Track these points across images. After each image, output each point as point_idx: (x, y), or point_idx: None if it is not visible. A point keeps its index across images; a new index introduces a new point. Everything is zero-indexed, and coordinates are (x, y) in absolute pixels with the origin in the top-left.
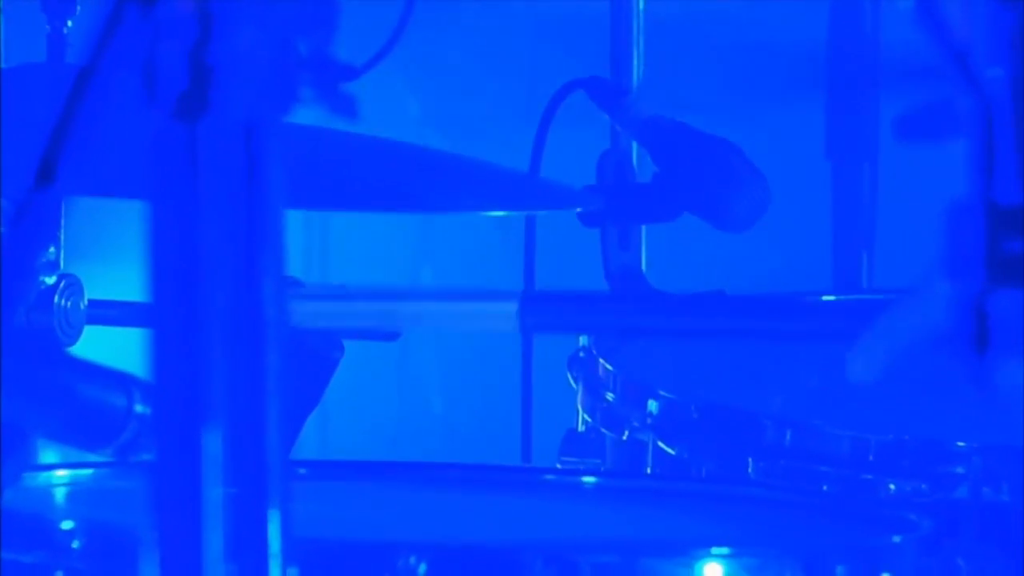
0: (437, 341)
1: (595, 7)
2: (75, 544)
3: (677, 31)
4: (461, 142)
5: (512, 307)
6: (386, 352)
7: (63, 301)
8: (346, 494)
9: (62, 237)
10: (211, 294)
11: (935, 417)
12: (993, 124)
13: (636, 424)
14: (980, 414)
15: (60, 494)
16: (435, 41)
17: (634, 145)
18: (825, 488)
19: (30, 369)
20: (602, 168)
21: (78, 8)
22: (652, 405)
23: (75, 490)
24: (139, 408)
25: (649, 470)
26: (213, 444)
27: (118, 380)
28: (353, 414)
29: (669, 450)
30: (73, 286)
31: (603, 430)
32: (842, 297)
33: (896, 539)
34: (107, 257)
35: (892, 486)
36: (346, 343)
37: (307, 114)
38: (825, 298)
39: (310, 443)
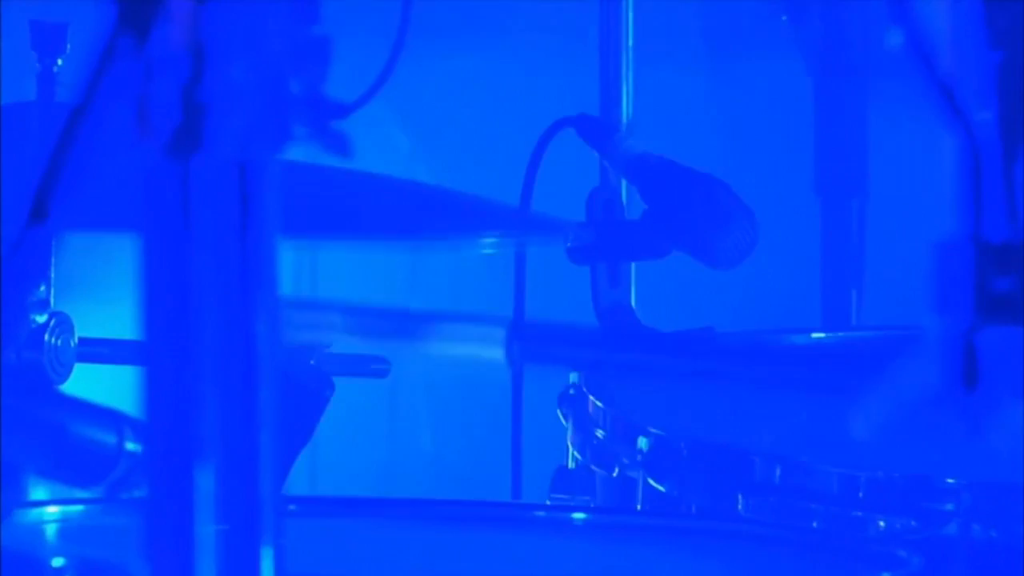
0: (427, 378)
1: (584, 45)
2: None
3: (666, 67)
4: (451, 179)
5: (500, 332)
6: (376, 388)
7: (54, 339)
8: (336, 531)
9: (53, 275)
10: (203, 331)
11: (924, 453)
12: (981, 163)
13: (626, 461)
14: (970, 450)
15: (51, 531)
16: (425, 78)
17: (623, 182)
18: (815, 525)
19: (21, 407)
20: (591, 205)
21: (68, 46)
22: (642, 442)
23: (66, 527)
24: (130, 445)
25: (639, 507)
26: (205, 481)
27: (109, 418)
28: (343, 450)
29: (659, 487)
30: (64, 324)
31: (593, 467)
32: (831, 334)
33: None
34: (98, 295)
35: (882, 523)
36: (336, 380)
37: (299, 151)
38: (814, 335)
39: (300, 479)
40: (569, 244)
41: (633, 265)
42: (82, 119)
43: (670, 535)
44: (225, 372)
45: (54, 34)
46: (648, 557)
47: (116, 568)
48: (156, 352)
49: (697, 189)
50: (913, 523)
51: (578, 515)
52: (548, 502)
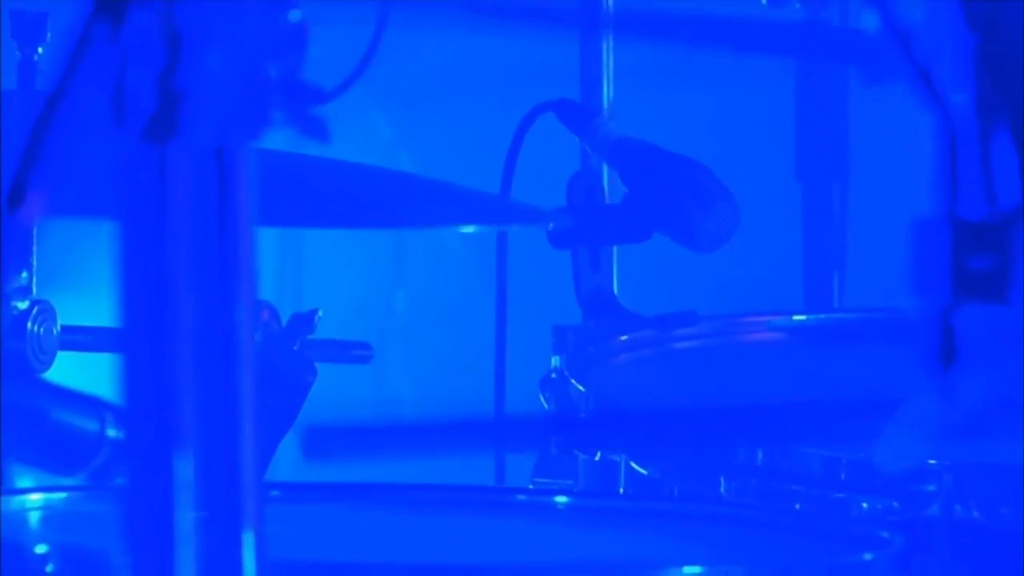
0: (412, 362)
1: (565, 30)
2: (49, 568)
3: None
4: (432, 165)
5: None
6: (361, 373)
7: (36, 327)
8: (320, 516)
9: (35, 263)
10: (182, 317)
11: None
12: (957, 143)
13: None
14: (951, 431)
15: (34, 518)
16: (406, 64)
17: (604, 167)
18: (797, 507)
19: (3, 395)
20: (573, 190)
21: (48, 35)
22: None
23: (49, 514)
24: (112, 432)
25: (621, 490)
26: (185, 468)
27: (91, 405)
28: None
29: (641, 470)
30: (46, 312)
31: (575, 451)
32: (813, 316)
33: (868, 557)
34: (80, 283)
35: (864, 504)
36: (321, 365)
37: (278, 137)
38: (796, 318)
39: (285, 464)
40: (550, 228)
41: (615, 249)
42: (59, 106)
43: (652, 518)
44: (204, 358)
45: (34, 23)
46: (631, 540)
47: (98, 554)
48: (135, 339)
49: (678, 173)
50: (895, 504)
51: (561, 499)
52: (531, 486)
